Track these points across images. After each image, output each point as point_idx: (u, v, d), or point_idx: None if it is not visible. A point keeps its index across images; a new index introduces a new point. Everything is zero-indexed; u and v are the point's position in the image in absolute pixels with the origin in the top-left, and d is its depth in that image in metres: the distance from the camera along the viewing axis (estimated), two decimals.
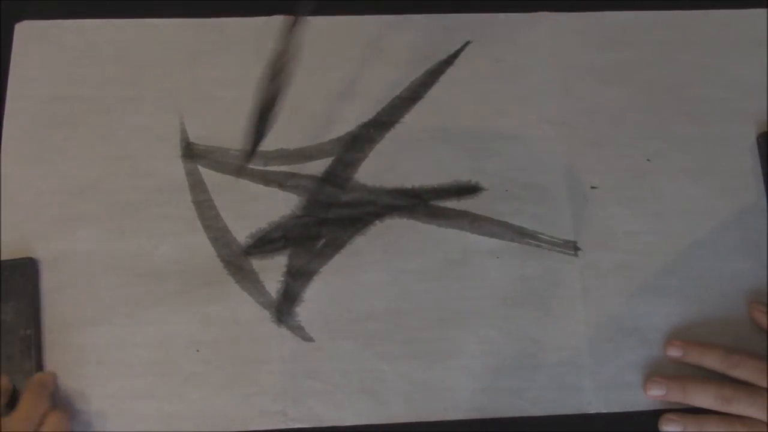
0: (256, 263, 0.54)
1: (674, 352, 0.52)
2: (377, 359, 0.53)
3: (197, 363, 0.52)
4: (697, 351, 0.52)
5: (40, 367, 0.51)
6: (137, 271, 0.54)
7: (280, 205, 0.56)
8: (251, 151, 0.52)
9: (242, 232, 0.55)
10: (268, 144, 0.57)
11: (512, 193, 0.57)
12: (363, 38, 0.60)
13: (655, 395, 0.52)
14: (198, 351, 0.52)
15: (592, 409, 0.52)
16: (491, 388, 0.52)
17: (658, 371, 0.52)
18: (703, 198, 0.57)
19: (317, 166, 0.57)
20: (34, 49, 0.59)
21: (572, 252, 0.55)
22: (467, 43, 0.60)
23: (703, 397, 0.50)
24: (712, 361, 0.51)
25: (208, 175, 0.56)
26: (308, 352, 0.53)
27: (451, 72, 0.60)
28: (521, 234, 0.56)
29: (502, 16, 0.61)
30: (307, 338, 0.53)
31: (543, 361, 0.53)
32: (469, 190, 0.57)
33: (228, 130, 0.57)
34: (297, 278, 0.54)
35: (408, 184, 0.57)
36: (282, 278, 0.54)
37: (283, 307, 0.53)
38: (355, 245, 0.55)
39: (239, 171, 0.56)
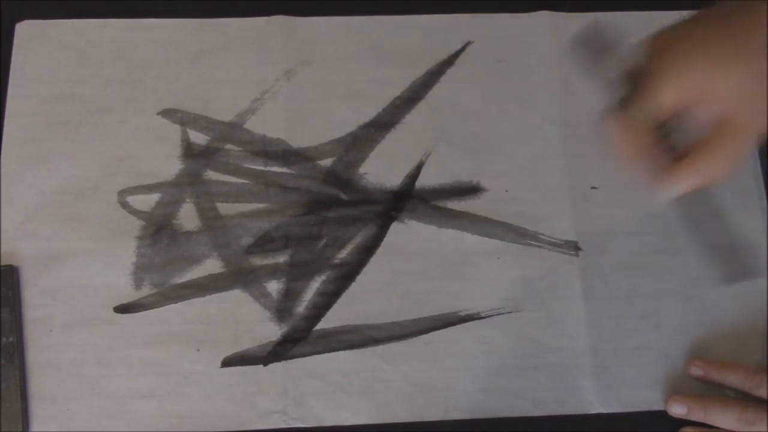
0: (257, 263, 0.54)
1: (696, 372, 0.52)
2: (377, 359, 0.53)
3: (197, 363, 0.52)
4: (718, 371, 0.52)
5: (23, 374, 0.51)
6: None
7: (281, 205, 0.56)
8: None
9: (243, 232, 0.55)
10: (269, 144, 0.57)
11: (513, 193, 0.57)
12: (363, 38, 0.60)
13: (676, 413, 0.51)
14: (198, 351, 0.52)
15: (593, 410, 0.52)
16: (491, 388, 0.52)
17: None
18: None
19: (318, 166, 0.57)
20: (34, 49, 0.59)
21: (573, 252, 0.55)
22: (468, 43, 0.60)
23: (724, 419, 0.50)
24: (735, 380, 0.51)
25: (208, 175, 0.56)
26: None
27: (451, 72, 0.60)
28: (522, 234, 0.56)
29: (502, 16, 0.61)
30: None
31: (543, 362, 0.53)
32: (469, 190, 0.57)
33: (228, 130, 0.57)
34: (298, 278, 0.54)
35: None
36: (283, 278, 0.54)
37: (284, 307, 0.53)
38: (356, 245, 0.55)
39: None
